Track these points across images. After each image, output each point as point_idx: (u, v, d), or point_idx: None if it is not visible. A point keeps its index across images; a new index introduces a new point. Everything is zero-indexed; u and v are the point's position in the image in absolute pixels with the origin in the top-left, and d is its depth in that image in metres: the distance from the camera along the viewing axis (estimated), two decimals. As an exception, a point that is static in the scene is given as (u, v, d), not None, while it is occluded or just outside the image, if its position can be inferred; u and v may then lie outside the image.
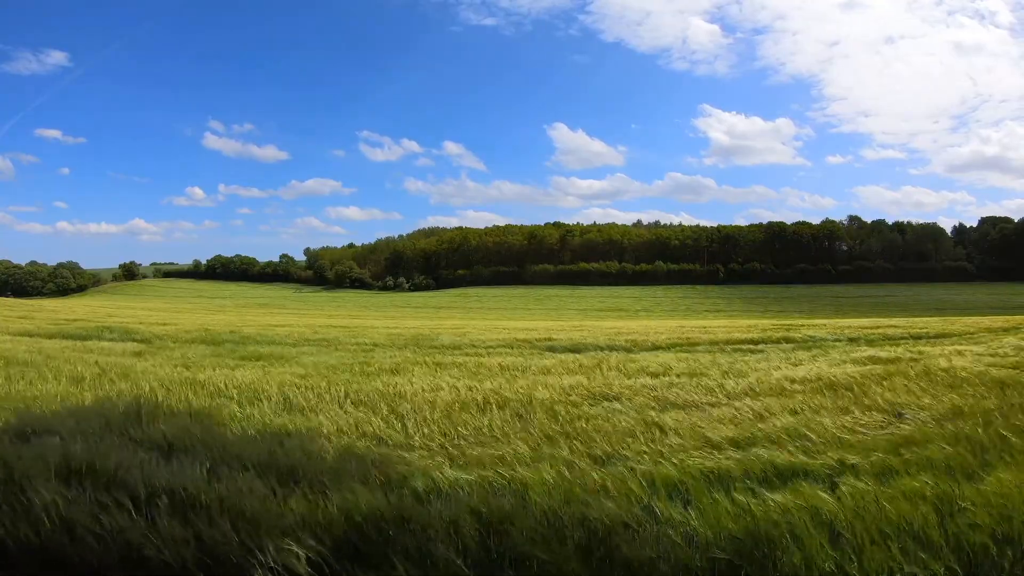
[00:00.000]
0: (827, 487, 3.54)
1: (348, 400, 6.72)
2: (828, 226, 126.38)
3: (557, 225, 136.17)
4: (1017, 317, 25.05)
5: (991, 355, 10.00)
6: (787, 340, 14.53)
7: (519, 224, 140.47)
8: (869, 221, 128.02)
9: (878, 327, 17.68)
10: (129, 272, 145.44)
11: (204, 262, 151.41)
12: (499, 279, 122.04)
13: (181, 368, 9.55)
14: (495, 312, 79.88)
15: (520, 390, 7.15)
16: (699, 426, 5.38)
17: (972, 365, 8.56)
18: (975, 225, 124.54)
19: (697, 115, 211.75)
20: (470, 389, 7.19)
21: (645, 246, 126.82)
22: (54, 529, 3.03)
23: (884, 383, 7.16)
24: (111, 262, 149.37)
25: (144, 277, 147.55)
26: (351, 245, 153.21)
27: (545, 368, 9.50)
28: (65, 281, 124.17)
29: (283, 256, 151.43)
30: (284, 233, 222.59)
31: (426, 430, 5.41)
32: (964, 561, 2.71)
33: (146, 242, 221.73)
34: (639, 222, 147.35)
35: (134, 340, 15.51)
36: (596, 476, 3.99)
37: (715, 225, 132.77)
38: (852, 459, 4.18)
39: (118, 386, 7.66)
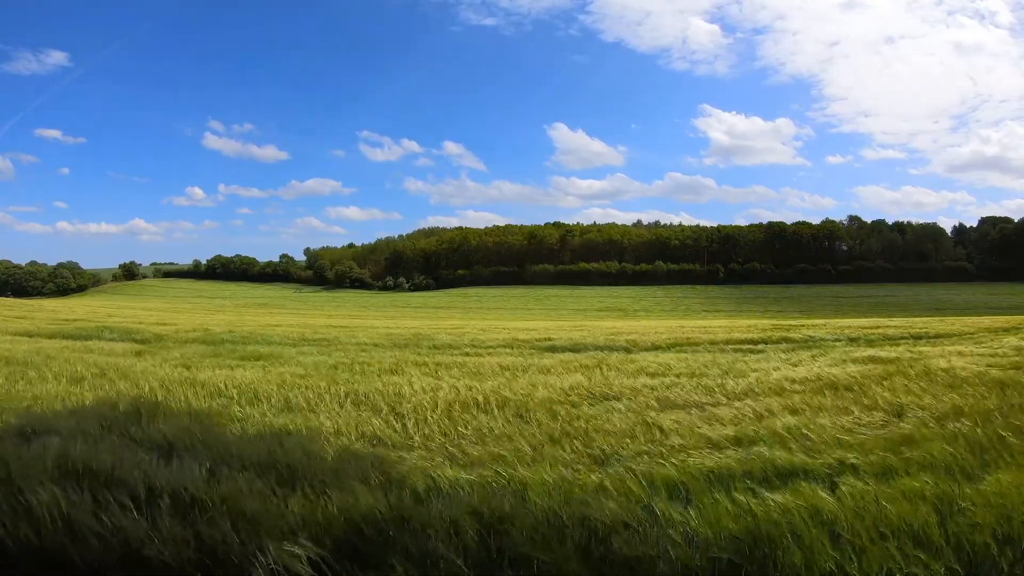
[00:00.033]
0: (827, 487, 3.54)
1: (348, 400, 6.72)
2: (828, 226, 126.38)
3: (557, 225, 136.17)
4: (1017, 317, 25.05)
5: (991, 355, 10.00)
6: (787, 340, 14.53)
7: (519, 224, 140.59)
8: (869, 221, 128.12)
9: (878, 327, 17.68)
10: (129, 272, 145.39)
11: (204, 262, 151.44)
12: (499, 279, 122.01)
13: (181, 368, 9.55)
14: (495, 312, 79.88)
15: (520, 390, 7.15)
16: (699, 426, 5.38)
17: (972, 365, 8.56)
18: (975, 225, 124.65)
19: (697, 115, 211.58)
20: (470, 389, 7.18)
21: (645, 246, 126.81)
22: (54, 529, 3.03)
23: (884, 383, 7.16)
24: (111, 262, 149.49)
25: (144, 277, 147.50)
26: (351, 245, 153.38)
27: (545, 368, 9.50)
28: (65, 281, 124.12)
29: (283, 256, 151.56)
30: (284, 233, 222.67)
31: (426, 430, 5.41)
32: (965, 561, 2.72)
33: (146, 242, 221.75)
34: (639, 222, 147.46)
35: (134, 340, 15.51)
36: (596, 476, 4.00)
37: (715, 225, 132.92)
38: (852, 459, 4.18)
39: (118, 386, 7.66)
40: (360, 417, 5.87)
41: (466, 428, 5.43)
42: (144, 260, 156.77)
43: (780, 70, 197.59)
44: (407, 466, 4.25)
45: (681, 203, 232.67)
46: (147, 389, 7.41)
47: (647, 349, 13.21)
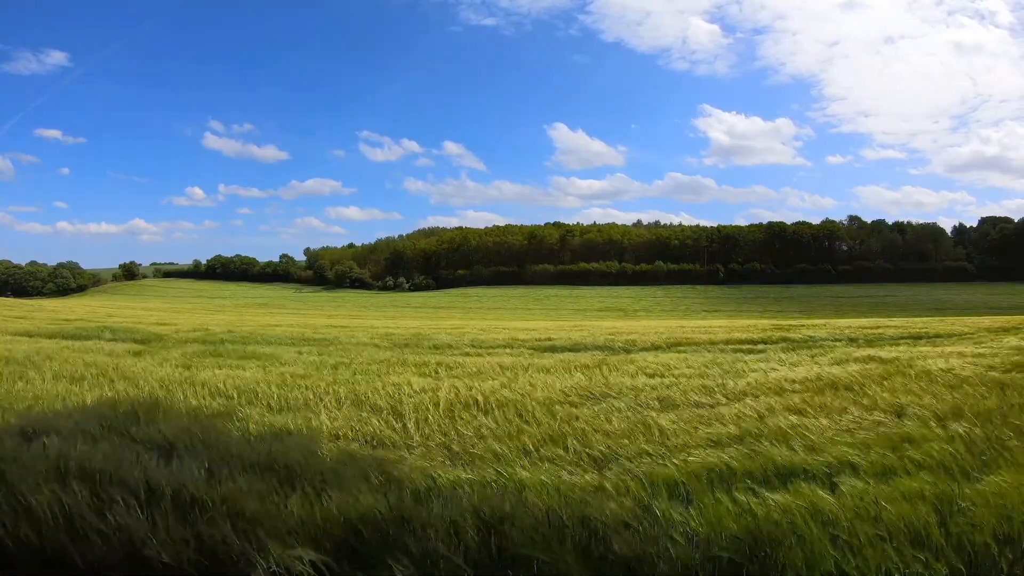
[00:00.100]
0: (827, 487, 3.54)
1: (348, 400, 6.72)
2: (828, 226, 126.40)
3: (557, 225, 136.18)
4: (1017, 317, 25.06)
5: (991, 355, 9.99)
6: (787, 340, 14.53)
7: (519, 224, 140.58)
8: (869, 221, 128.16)
9: (878, 327, 17.68)
10: (129, 272, 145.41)
11: (204, 262, 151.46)
12: (499, 279, 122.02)
13: (181, 368, 9.55)
14: (495, 312, 79.89)
15: (520, 390, 7.15)
16: (699, 426, 5.38)
17: (972, 365, 8.56)
18: (975, 225, 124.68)
19: (697, 115, 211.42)
20: (470, 389, 7.18)
21: (645, 246, 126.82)
22: (54, 529, 3.03)
23: (884, 383, 7.16)
24: (111, 262, 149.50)
25: (144, 277, 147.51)
26: (351, 245, 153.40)
27: (544, 368, 9.50)
28: (65, 281, 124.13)
29: (283, 256, 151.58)
30: (284, 233, 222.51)
31: (426, 430, 5.41)
32: (965, 561, 2.71)
33: (146, 242, 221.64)
34: (639, 222, 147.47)
35: (134, 340, 15.51)
36: (596, 476, 4.00)
37: (715, 225, 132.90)
38: (852, 459, 4.18)
39: (118, 386, 7.66)
40: (360, 417, 5.87)
41: (466, 428, 5.42)
42: (144, 260, 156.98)
43: (780, 70, 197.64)
44: (407, 466, 4.25)
45: (681, 203, 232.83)
46: (147, 389, 7.42)
47: (647, 349, 13.21)
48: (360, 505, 3.21)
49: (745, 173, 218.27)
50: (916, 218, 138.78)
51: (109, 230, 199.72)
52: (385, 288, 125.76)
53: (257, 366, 9.93)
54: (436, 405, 6.27)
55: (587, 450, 4.69)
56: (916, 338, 14.74)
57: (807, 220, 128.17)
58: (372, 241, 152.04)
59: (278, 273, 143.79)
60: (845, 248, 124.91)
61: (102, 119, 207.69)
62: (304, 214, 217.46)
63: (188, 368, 9.52)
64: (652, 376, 8.53)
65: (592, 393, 7.00)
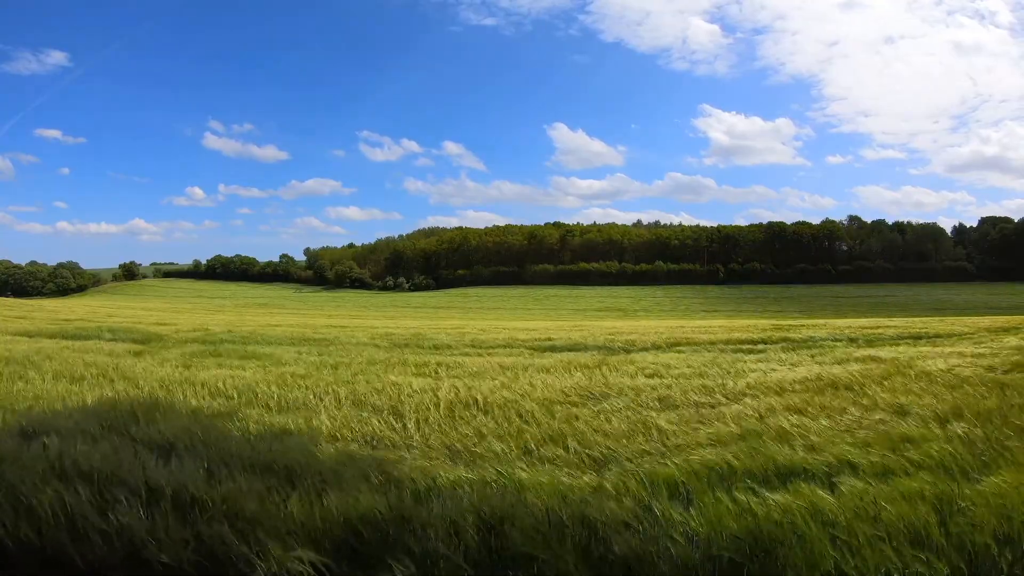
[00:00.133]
0: (828, 487, 3.54)
1: (347, 400, 6.72)
2: (828, 226, 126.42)
3: (557, 225, 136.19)
4: (1017, 317, 25.06)
5: (991, 355, 9.99)
6: (786, 340, 14.53)
7: (519, 224, 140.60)
8: (869, 221, 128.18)
9: (878, 327, 17.68)
10: (129, 272, 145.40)
11: (204, 262, 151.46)
12: (499, 279, 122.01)
13: (180, 368, 9.54)
14: (495, 312, 79.89)
15: (520, 390, 7.15)
16: (699, 425, 5.38)
17: (972, 365, 8.56)
18: (975, 225, 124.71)
19: (697, 115, 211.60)
20: (470, 389, 7.18)
21: (645, 246, 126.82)
22: (54, 529, 3.03)
23: (884, 383, 7.16)
24: (111, 262, 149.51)
25: (144, 277, 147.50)
26: (351, 245, 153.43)
27: (544, 368, 9.50)
28: (65, 281, 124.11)
29: (283, 256, 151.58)
30: (284, 233, 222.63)
31: (426, 430, 5.41)
32: (965, 561, 2.71)
33: (146, 242, 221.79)
34: (639, 222, 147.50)
35: (134, 340, 15.50)
36: (596, 476, 4.00)
37: (715, 225, 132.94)
38: (852, 459, 4.18)
39: (118, 386, 7.66)
40: (360, 417, 5.87)
41: (466, 428, 5.42)
42: (144, 260, 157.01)
43: (780, 70, 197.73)
44: (407, 466, 4.25)
45: (681, 203, 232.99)
46: (147, 389, 7.42)
47: (647, 349, 13.21)
48: (360, 505, 3.21)
49: (745, 173, 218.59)
50: (916, 218, 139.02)
51: (109, 230, 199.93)
52: (385, 288, 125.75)
53: (257, 366, 9.93)
54: (436, 405, 6.27)
55: (587, 450, 4.69)
56: (916, 338, 14.74)
57: (807, 220, 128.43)
58: (372, 241, 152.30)
59: (278, 273, 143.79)
60: (845, 248, 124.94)
61: (102, 119, 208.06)
62: (304, 214, 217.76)
63: (188, 368, 9.52)
64: (652, 376, 8.53)
65: (592, 393, 7.00)
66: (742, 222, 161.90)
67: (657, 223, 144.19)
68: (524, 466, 4.29)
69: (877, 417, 5.48)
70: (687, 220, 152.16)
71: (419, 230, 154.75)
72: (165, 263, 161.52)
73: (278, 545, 2.79)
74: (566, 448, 4.74)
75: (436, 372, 9.24)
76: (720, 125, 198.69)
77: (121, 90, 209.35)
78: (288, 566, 2.67)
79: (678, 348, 13.29)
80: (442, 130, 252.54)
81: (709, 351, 12.48)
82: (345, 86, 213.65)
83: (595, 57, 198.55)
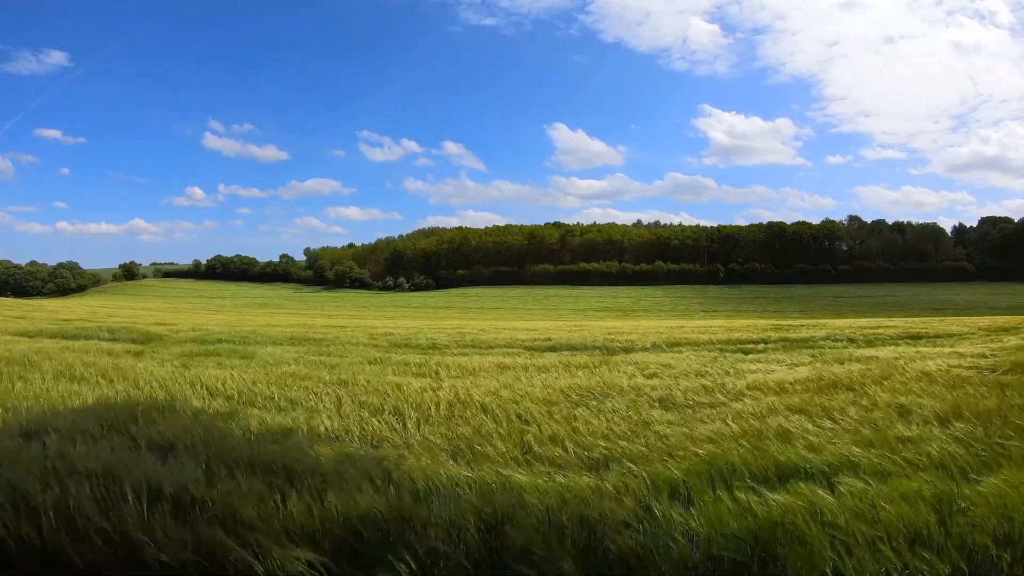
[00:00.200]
0: (828, 486, 3.54)
1: (347, 399, 6.71)
2: (828, 226, 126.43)
3: (557, 225, 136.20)
4: (1017, 317, 25.06)
5: (991, 355, 9.99)
6: (786, 340, 14.53)
7: (519, 224, 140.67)
8: (869, 221, 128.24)
9: (878, 327, 17.68)
10: (129, 272, 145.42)
11: (204, 262, 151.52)
12: (499, 279, 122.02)
13: (180, 368, 9.54)
14: (494, 312, 79.89)
15: (520, 390, 7.15)
16: (699, 425, 5.38)
17: (971, 365, 8.56)
18: (975, 225, 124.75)
19: (697, 115, 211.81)
20: (469, 389, 7.18)
21: (645, 246, 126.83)
22: (54, 528, 3.03)
23: (883, 383, 7.16)
24: (111, 262, 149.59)
25: (144, 277, 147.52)
26: (351, 245, 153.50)
27: (544, 368, 9.50)
28: (65, 281, 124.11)
29: (283, 256, 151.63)
30: (284, 233, 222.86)
31: (426, 429, 5.41)
32: (965, 561, 2.71)
33: (146, 242, 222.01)
34: (639, 222, 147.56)
35: (133, 340, 15.50)
36: (595, 476, 4.00)
37: (715, 225, 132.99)
38: (852, 458, 4.17)
39: (117, 386, 7.66)
40: (360, 417, 5.87)
41: (466, 428, 5.42)
42: (144, 260, 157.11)
43: (780, 70, 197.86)
44: (407, 466, 4.24)
45: (681, 203, 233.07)
46: (147, 389, 7.42)
47: (646, 349, 13.21)
48: (360, 505, 3.21)
49: (745, 173, 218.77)
50: (916, 218, 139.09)
51: (109, 230, 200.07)
52: (385, 288, 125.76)
53: (257, 366, 9.93)
54: (436, 405, 6.27)
55: (587, 450, 4.69)
56: (916, 338, 14.74)
57: (807, 220, 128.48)
58: (372, 241, 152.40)
59: (278, 273, 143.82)
60: (845, 248, 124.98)
61: (102, 119, 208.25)
62: (304, 214, 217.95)
63: (188, 368, 9.51)
64: (652, 376, 8.53)
65: (592, 393, 7.00)
66: (742, 222, 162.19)
67: (657, 223, 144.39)
68: (524, 466, 4.30)
69: (877, 417, 5.48)
70: (687, 220, 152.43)
71: (419, 230, 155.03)
72: (165, 263, 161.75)
73: (278, 545, 2.79)
74: (566, 448, 4.74)
75: (436, 372, 9.24)
76: (720, 125, 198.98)
77: (121, 90, 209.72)
78: (288, 566, 2.67)
79: (678, 348, 13.29)
80: (442, 130, 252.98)
81: (709, 351, 12.48)
82: (345, 86, 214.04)
83: (595, 57, 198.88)
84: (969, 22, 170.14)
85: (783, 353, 11.66)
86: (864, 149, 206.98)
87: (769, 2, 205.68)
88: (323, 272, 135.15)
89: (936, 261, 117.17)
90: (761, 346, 13.28)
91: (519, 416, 5.84)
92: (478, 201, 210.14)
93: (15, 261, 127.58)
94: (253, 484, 3.54)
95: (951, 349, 11.44)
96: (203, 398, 6.92)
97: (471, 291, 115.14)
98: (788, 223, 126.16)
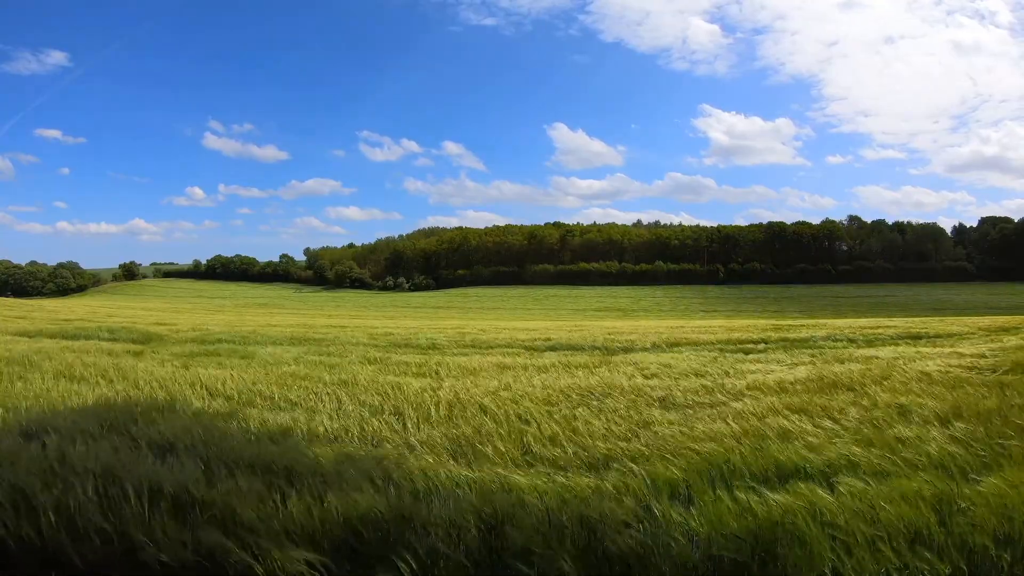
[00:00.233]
0: (828, 486, 3.54)
1: (347, 399, 6.71)
2: (828, 226, 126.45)
3: (557, 225, 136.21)
4: (1017, 317, 25.06)
5: (991, 355, 9.99)
6: (786, 340, 14.53)
7: (519, 224, 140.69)
8: (869, 221, 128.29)
9: (877, 327, 17.68)
10: (129, 272, 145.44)
11: (204, 262, 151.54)
12: (499, 279, 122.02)
13: (180, 368, 9.54)
14: (494, 312, 79.87)
15: (520, 390, 7.15)
16: (699, 425, 5.38)
17: (971, 365, 8.56)
18: (975, 225, 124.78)
19: (697, 115, 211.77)
20: (469, 389, 7.19)
21: (645, 246, 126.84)
22: (54, 528, 3.03)
23: (883, 383, 7.16)
24: (111, 262, 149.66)
25: (144, 277, 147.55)
26: (351, 245, 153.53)
27: (544, 368, 9.50)
28: (65, 281, 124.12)
29: (283, 256, 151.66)
30: (284, 233, 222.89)
31: (426, 429, 5.41)
32: (965, 561, 2.71)
33: (146, 242, 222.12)
34: (639, 222, 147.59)
35: (133, 340, 15.50)
36: (595, 476, 4.00)
37: (715, 225, 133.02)
38: (852, 458, 4.17)
39: (117, 386, 7.66)
40: (360, 417, 5.87)
41: (466, 427, 5.42)
42: (144, 260, 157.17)
43: (780, 70, 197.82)
44: (408, 466, 4.25)
45: (681, 203, 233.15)
46: (147, 389, 7.42)
47: (647, 349, 13.20)
48: (360, 505, 3.21)
49: (745, 173, 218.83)
50: (916, 218, 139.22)
51: (109, 230, 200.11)
52: (385, 288, 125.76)
53: (257, 366, 9.93)
54: (436, 405, 6.26)
55: (587, 450, 4.69)
56: (916, 338, 14.73)
57: (807, 220, 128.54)
58: (372, 241, 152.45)
59: (278, 273, 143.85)
60: (845, 248, 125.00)
61: (102, 119, 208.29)
62: (304, 214, 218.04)
63: (188, 368, 9.51)
64: (652, 376, 8.53)
65: (592, 393, 7.00)
66: (742, 222, 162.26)
67: (657, 223, 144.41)
68: (524, 466, 4.30)
69: (877, 417, 5.47)
70: (687, 220, 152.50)
71: (419, 230, 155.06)
72: (165, 263, 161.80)
73: (277, 545, 2.79)
74: (566, 448, 4.74)
75: (436, 372, 9.24)
76: (720, 125, 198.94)
77: (121, 90, 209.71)
78: (288, 566, 2.67)
79: (678, 348, 13.29)
80: (442, 130, 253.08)
81: (709, 351, 12.48)
82: (345, 86, 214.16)
83: (595, 57, 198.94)
84: (969, 22, 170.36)
85: (783, 353, 11.65)
86: (864, 149, 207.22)
87: (769, 2, 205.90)
88: (323, 272, 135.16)
89: (936, 261, 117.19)
90: (761, 346, 13.27)
91: (519, 416, 5.84)
92: (478, 201, 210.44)
93: (15, 261, 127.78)
94: (253, 484, 3.54)
95: (951, 349, 11.44)
96: (203, 398, 6.92)
97: (471, 291, 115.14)
98: (788, 223, 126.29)
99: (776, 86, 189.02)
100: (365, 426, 5.52)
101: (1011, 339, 13.32)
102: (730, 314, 67.96)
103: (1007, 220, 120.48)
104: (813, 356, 10.99)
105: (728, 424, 5.41)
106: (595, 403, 6.49)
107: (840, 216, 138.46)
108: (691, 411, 6.09)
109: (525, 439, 5.00)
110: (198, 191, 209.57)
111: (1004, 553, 2.74)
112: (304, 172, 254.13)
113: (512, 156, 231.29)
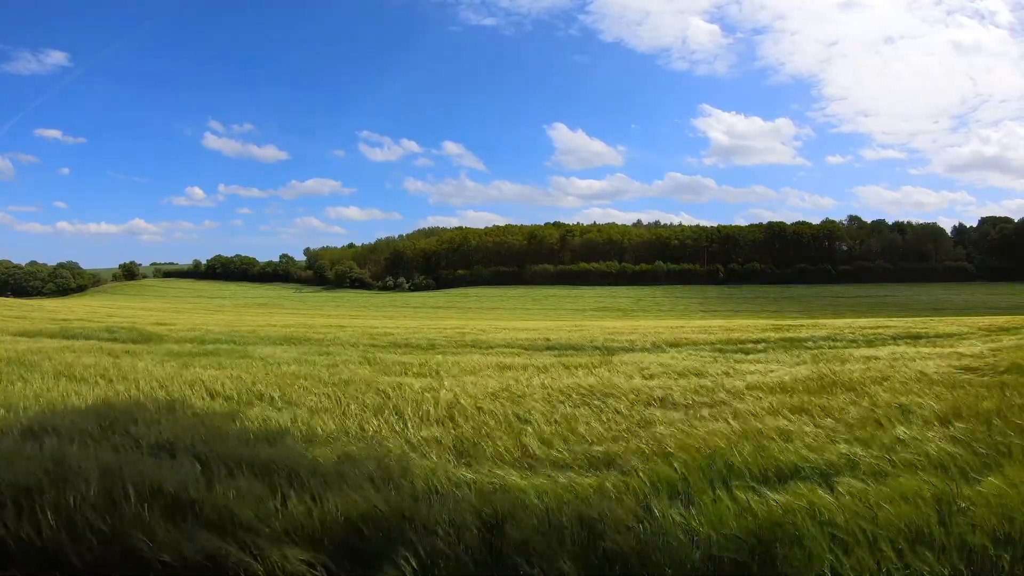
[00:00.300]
0: (828, 486, 3.54)
1: (347, 399, 6.71)
2: (828, 226, 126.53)
3: (557, 225, 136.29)
4: (1017, 317, 25.07)
5: (991, 355, 9.99)
6: (786, 340, 14.54)
7: (519, 224, 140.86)
8: (869, 221, 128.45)
9: (877, 327, 17.69)
10: (129, 272, 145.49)
11: (204, 262, 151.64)
12: (499, 279, 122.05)
13: (180, 368, 9.54)
14: (494, 312, 79.88)
15: (519, 390, 7.15)
16: (698, 425, 5.38)
17: (971, 365, 8.56)
18: (975, 225, 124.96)
19: (697, 115, 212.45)
20: (468, 388, 7.19)
21: (645, 246, 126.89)
22: (53, 528, 3.03)
23: (883, 383, 7.16)
24: (111, 262, 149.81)
25: (144, 277, 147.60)
26: (351, 245, 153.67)
27: (544, 368, 9.50)
28: (65, 281, 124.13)
29: (283, 256, 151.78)
30: (284, 233, 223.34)
31: (426, 429, 5.41)
32: (965, 561, 2.71)
33: (146, 242, 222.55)
34: (639, 222, 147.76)
35: (133, 340, 15.51)
36: (595, 476, 4.00)
37: (715, 225, 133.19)
38: (852, 458, 4.18)
39: (117, 386, 7.66)
40: (360, 416, 5.87)
41: (466, 427, 5.42)
42: (144, 260, 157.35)
43: (780, 70, 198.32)
44: (408, 465, 4.24)
45: (681, 203, 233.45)
46: (146, 389, 7.42)
47: (646, 349, 13.21)
48: (360, 505, 3.21)
49: (745, 173, 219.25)
50: (916, 218, 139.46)
51: (109, 230, 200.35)
52: (385, 288, 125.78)
53: (257, 366, 9.93)
54: (436, 405, 6.27)
55: (586, 450, 4.69)
56: (916, 338, 14.74)
57: (807, 220, 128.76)
58: (372, 241, 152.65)
59: (278, 273, 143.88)
60: (845, 248, 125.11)
61: (102, 119, 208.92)
62: (304, 214, 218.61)
63: (188, 368, 9.51)
64: (651, 376, 8.53)
65: (592, 392, 7.00)
66: (742, 222, 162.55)
67: (657, 223, 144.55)
68: (524, 466, 4.30)
69: (877, 416, 5.47)
70: (687, 220, 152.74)
71: (419, 230, 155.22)
72: (165, 263, 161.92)
73: (277, 545, 2.79)
74: (566, 448, 4.74)
75: (436, 372, 9.24)
76: (720, 125, 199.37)
77: (121, 90, 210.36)
78: (288, 566, 2.67)
79: (678, 348, 13.30)
80: (442, 130, 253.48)
81: (709, 351, 12.49)
82: (345, 86, 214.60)
83: (595, 57, 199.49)
84: (969, 22, 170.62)
85: (783, 353, 11.66)
86: (864, 149, 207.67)
87: (769, 2, 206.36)
88: (323, 272, 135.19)
89: (936, 261, 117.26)
90: (761, 346, 13.28)
91: (519, 416, 5.84)
92: (478, 201, 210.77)
93: (15, 261, 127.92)
94: (253, 484, 3.53)
95: (951, 349, 11.45)
96: (203, 398, 6.92)
97: (471, 291, 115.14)
98: (788, 223, 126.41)
99: (776, 86, 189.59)
100: (365, 426, 5.52)
101: (1011, 339, 13.33)
102: (730, 314, 67.95)
103: (1007, 220, 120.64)
104: (813, 356, 11.00)
105: (728, 424, 5.41)
106: (595, 403, 6.48)
107: (840, 216, 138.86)
108: (691, 411, 6.09)
109: (525, 439, 5.00)
110: (198, 191, 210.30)
111: (1004, 553, 2.73)
112: (304, 172, 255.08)
113: (512, 156, 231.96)
